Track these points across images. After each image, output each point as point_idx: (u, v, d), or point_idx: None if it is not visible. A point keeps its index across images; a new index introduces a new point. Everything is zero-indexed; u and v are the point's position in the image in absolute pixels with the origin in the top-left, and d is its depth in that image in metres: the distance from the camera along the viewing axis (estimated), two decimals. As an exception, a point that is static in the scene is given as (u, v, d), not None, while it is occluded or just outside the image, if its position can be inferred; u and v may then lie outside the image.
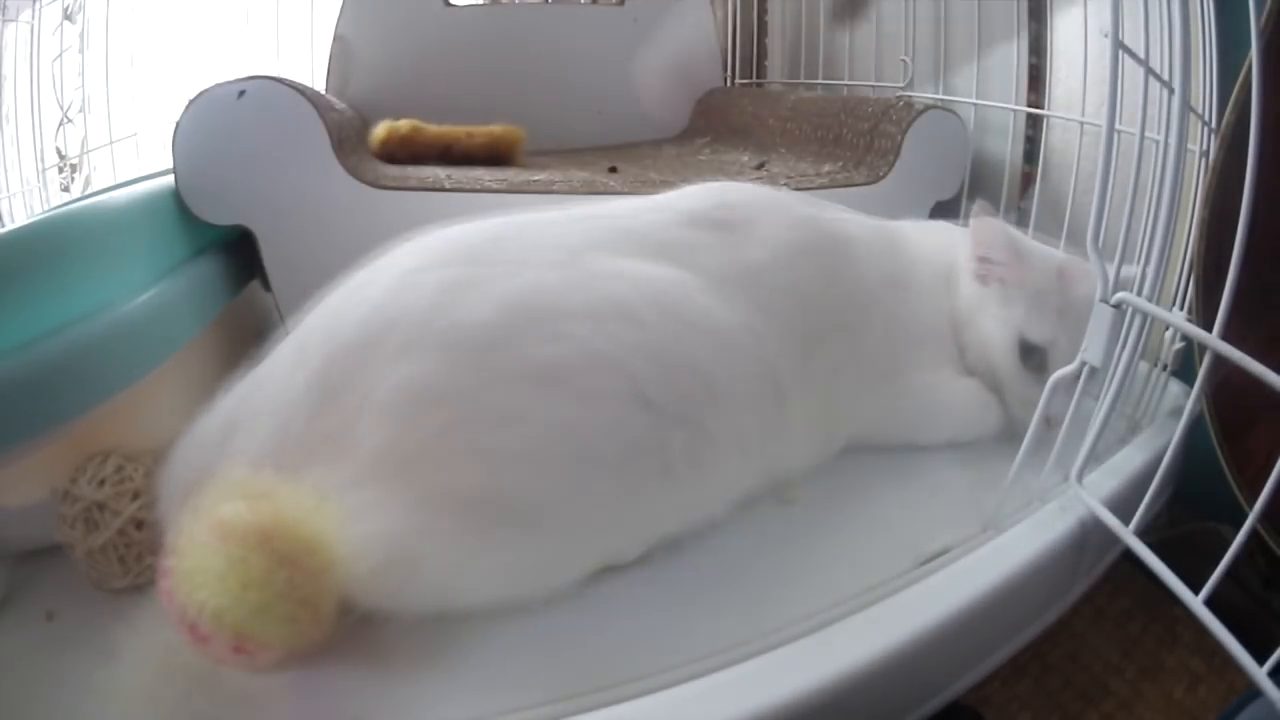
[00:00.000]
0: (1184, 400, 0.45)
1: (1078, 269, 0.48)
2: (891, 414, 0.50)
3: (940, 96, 0.85)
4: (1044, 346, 0.48)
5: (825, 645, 0.34)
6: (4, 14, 0.94)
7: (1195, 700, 0.49)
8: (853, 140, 0.79)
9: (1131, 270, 0.40)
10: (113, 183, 0.68)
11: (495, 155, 0.81)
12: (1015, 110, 0.77)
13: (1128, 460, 0.48)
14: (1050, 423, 0.42)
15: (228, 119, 0.55)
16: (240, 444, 0.34)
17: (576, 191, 0.65)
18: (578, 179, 0.69)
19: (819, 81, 1.08)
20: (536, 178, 0.67)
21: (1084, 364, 0.39)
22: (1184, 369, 0.57)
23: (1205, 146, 0.50)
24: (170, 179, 0.54)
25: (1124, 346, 0.39)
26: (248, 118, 0.56)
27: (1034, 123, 0.77)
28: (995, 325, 0.50)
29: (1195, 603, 0.33)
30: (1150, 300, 0.38)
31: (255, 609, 0.29)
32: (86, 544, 0.37)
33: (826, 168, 0.78)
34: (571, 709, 0.31)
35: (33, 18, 0.96)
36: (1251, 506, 0.31)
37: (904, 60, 0.90)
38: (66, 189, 1.01)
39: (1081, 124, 0.68)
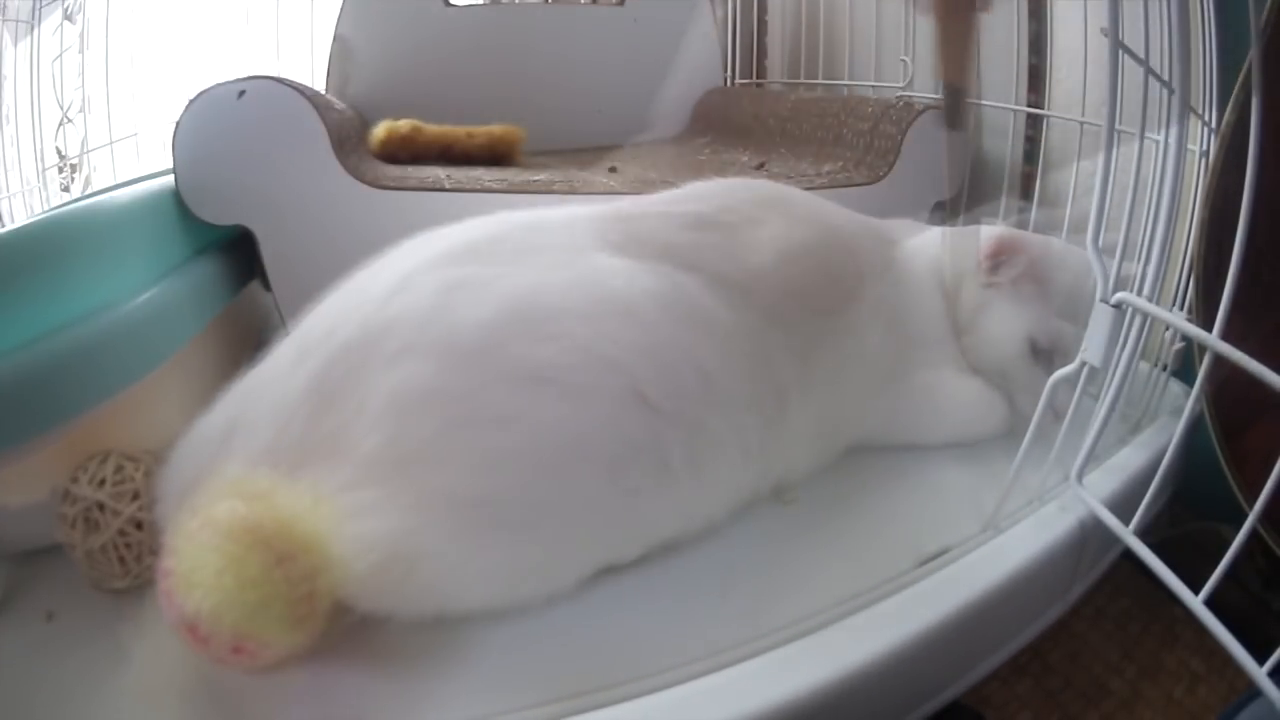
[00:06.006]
0: (1184, 400, 0.45)
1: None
2: (893, 414, 0.50)
3: (940, 96, 0.85)
4: (1053, 347, 0.48)
5: (825, 645, 0.34)
6: (3, 14, 0.94)
7: (1195, 700, 0.49)
8: (853, 140, 0.79)
9: (1131, 270, 0.40)
10: (113, 183, 0.68)
11: (495, 155, 0.81)
12: (1015, 110, 0.77)
13: (1128, 460, 0.48)
14: (1057, 414, 0.42)
15: (228, 119, 0.55)
16: (239, 445, 0.34)
17: (576, 191, 0.65)
18: (578, 179, 0.69)
19: (819, 81, 1.08)
20: (536, 178, 0.67)
21: (1084, 364, 0.39)
22: (1184, 369, 0.57)
23: (1205, 146, 0.50)
24: (170, 179, 0.54)
25: (1124, 346, 0.39)
26: (248, 118, 0.56)
27: (1034, 123, 0.77)
28: (1004, 326, 0.50)
29: (1195, 603, 0.33)
30: (1150, 300, 0.38)
31: (254, 608, 0.29)
32: (86, 544, 0.37)
33: (826, 168, 0.78)
34: (571, 709, 0.31)
35: (32, 17, 0.96)
36: (1251, 506, 0.31)
37: (904, 60, 0.90)
38: (66, 189, 1.01)
39: (1081, 124, 0.68)
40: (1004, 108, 0.78)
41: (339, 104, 0.76)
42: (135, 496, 0.38)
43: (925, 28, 0.88)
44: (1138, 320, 0.39)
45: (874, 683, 0.33)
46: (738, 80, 1.23)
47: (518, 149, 0.83)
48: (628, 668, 0.32)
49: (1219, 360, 0.34)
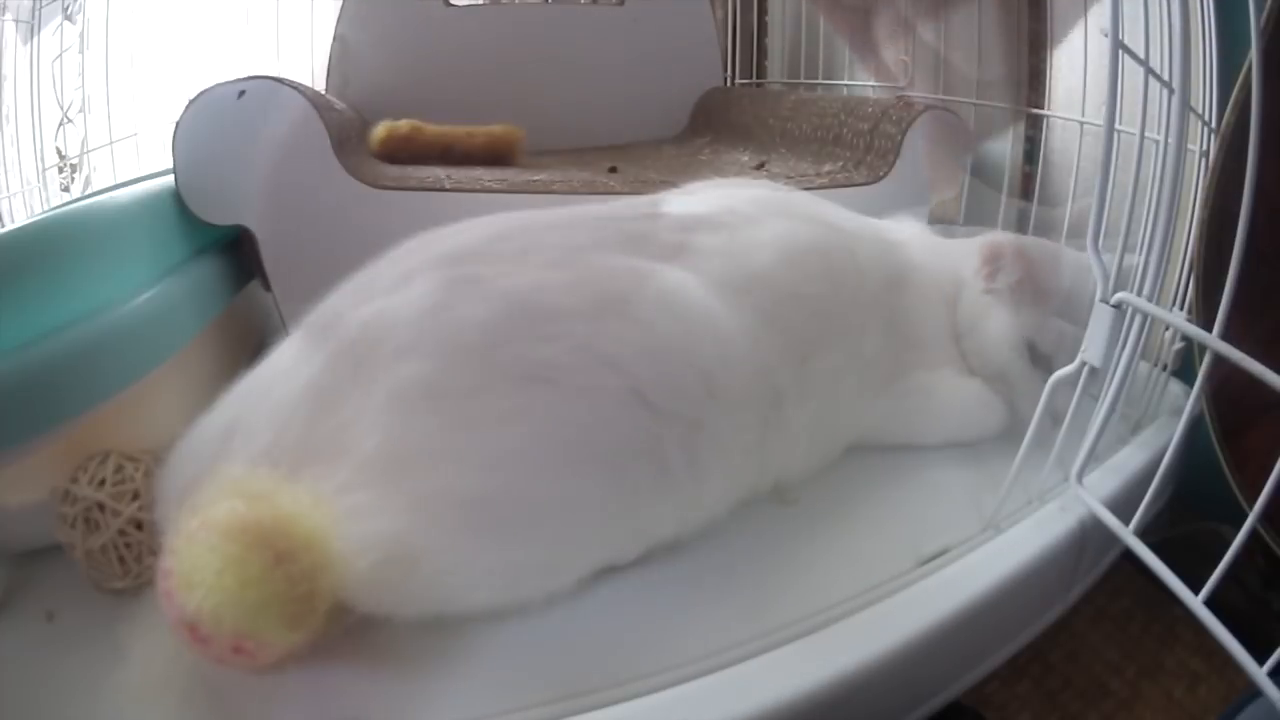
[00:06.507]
0: (1184, 400, 0.45)
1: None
2: (891, 414, 0.50)
3: (940, 96, 0.85)
4: (1053, 349, 0.48)
5: (825, 645, 0.34)
6: (4, 13, 0.94)
7: (1195, 700, 0.49)
8: (853, 140, 0.79)
9: (1131, 270, 0.40)
10: (113, 183, 0.68)
11: (495, 155, 0.81)
12: (1015, 110, 0.77)
13: (1128, 460, 0.48)
14: (1057, 414, 0.42)
15: (228, 119, 0.55)
16: (239, 445, 0.34)
17: (576, 191, 0.65)
18: (578, 179, 0.69)
19: (819, 81, 1.08)
20: (536, 178, 0.67)
21: (1084, 364, 0.39)
22: (1184, 369, 0.57)
23: (1205, 146, 0.50)
24: (170, 179, 0.54)
25: (1124, 346, 0.39)
26: (248, 118, 0.56)
27: (1034, 123, 0.77)
28: (1004, 332, 0.50)
29: (1195, 603, 0.33)
30: (1150, 300, 0.38)
31: (254, 607, 0.29)
32: (86, 544, 0.37)
33: (826, 168, 0.78)
34: (571, 709, 0.31)
35: (33, 17, 0.96)
36: (1251, 506, 0.31)
37: (904, 60, 0.90)
38: (66, 189, 1.01)
39: (1081, 124, 0.68)
40: (1004, 107, 0.78)
41: (339, 104, 0.76)
42: (135, 496, 0.38)
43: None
44: (1137, 320, 0.39)
45: (874, 683, 0.33)
46: (738, 80, 1.23)
47: (518, 149, 0.83)
48: (628, 668, 0.32)
49: (1219, 360, 0.34)
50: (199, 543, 0.29)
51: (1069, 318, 0.48)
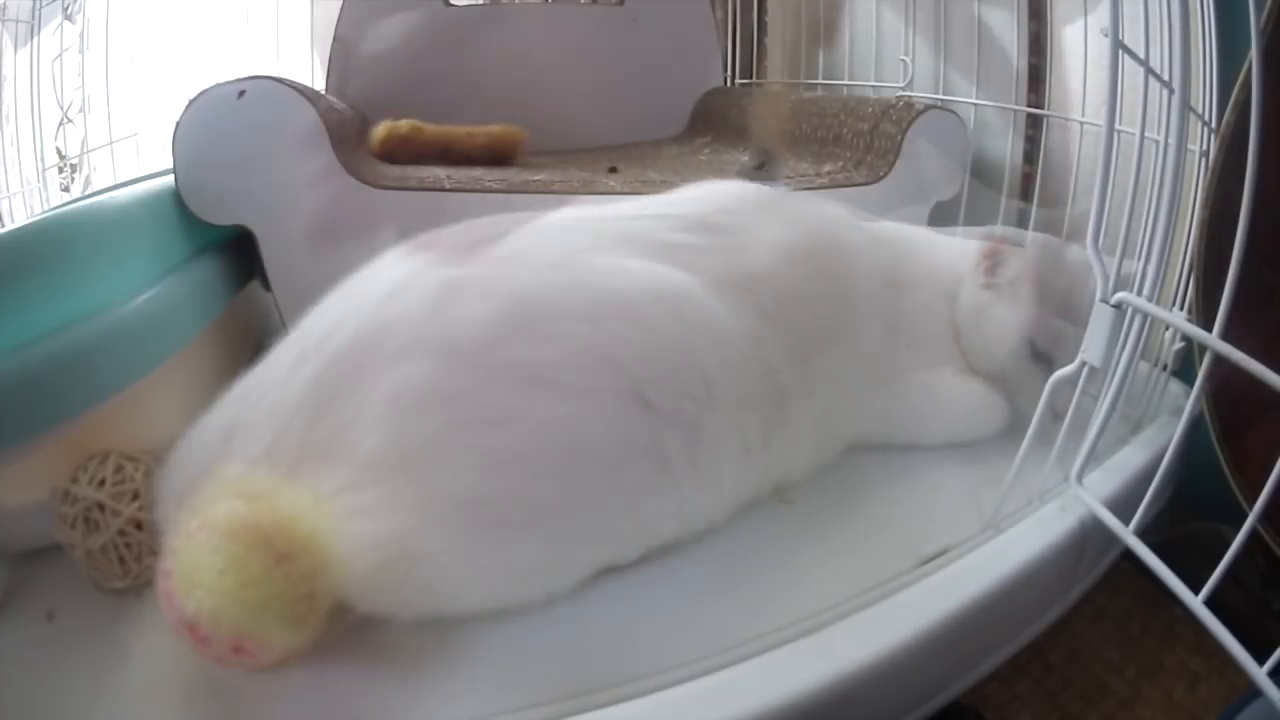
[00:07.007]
0: (1184, 400, 0.45)
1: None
2: (891, 414, 0.50)
3: (940, 96, 0.85)
4: (1053, 347, 0.48)
5: (825, 645, 0.34)
6: (3, 14, 0.94)
7: (1195, 700, 0.49)
8: (853, 140, 0.79)
9: (1131, 270, 0.40)
10: (113, 183, 0.68)
11: (495, 155, 0.81)
12: (1015, 110, 0.77)
13: (1128, 460, 0.48)
14: (1057, 414, 0.42)
15: (228, 119, 0.55)
16: (239, 446, 0.34)
17: (576, 191, 0.65)
18: (578, 179, 0.69)
19: (819, 81, 1.08)
20: (536, 178, 0.67)
21: (1084, 364, 0.39)
22: (1184, 369, 0.57)
23: (1205, 146, 0.50)
24: (170, 179, 0.54)
25: (1124, 346, 0.39)
26: (248, 118, 0.56)
27: (1034, 123, 0.77)
28: (1003, 328, 0.50)
29: (1195, 603, 0.33)
30: (1150, 300, 0.38)
31: (254, 608, 0.29)
32: (86, 544, 0.37)
33: (826, 168, 0.78)
34: (571, 709, 0.31)
35: (33, 18, 0.96)
36: (1251, 506, 0.31)
37: (904, 60, 0.90)
38: (66, 189, 1.01)
39: (1081, 124, 0.68)
40: (1004, 107, 0.78)
41: (339, 104, 0.76)
42: (135, 496, 0.38)
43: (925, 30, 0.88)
44: (1138, 320, 0.39)
45: (874, 683, 0.33)
46: (738, 80, 1.23)
47: (518, 149, 0.83)
48: (628, 668, 0.32)
49: (1219, 360, 0.34)
50: (199, 543, 0.29)
51: (1069, 316, 0.48)
